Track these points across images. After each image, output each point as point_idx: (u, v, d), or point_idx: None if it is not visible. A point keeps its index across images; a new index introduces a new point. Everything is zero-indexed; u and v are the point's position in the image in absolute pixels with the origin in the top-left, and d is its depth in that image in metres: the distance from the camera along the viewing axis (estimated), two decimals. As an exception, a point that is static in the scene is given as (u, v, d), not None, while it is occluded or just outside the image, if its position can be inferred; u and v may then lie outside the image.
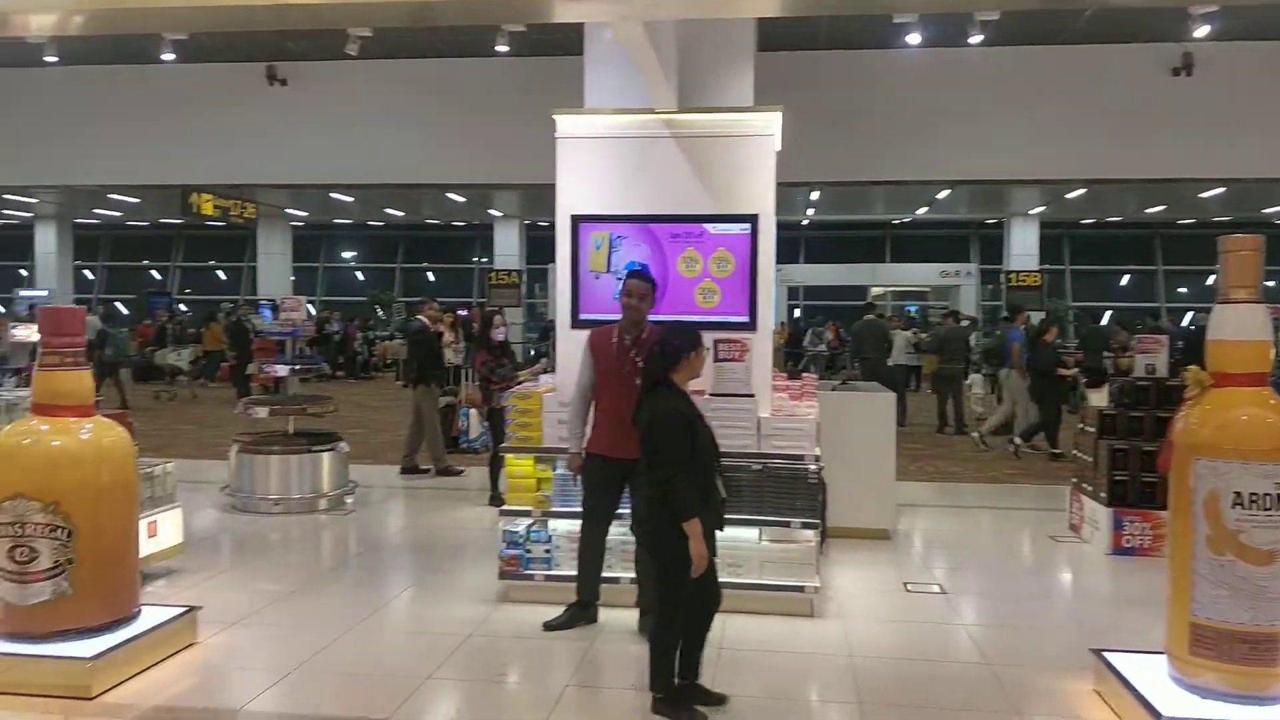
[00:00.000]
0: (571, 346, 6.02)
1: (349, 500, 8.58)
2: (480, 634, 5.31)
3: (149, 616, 4.89)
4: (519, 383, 8.54)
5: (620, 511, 5.54)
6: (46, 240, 28.69)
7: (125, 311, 31.08)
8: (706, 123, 5.86)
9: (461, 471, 9.97)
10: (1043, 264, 25.46)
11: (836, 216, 27.84)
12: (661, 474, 4.14)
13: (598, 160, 5.98)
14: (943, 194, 20.44)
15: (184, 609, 5.11)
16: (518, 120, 8.82)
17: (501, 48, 10.47)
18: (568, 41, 9.31)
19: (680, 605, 4.24)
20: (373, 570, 6.86)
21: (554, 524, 5.88)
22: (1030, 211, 24.82)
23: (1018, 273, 23.78)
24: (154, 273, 34.60)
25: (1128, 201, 22.82)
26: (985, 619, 5.87)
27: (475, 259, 33.75)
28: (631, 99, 5.95)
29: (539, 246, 31.57)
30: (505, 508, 5.91)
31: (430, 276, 35.42)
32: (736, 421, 5.56)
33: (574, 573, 5.73)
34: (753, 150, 5.83)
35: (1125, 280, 29.94)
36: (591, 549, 5.29)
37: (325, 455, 8.48)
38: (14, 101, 9.99)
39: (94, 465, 4.64)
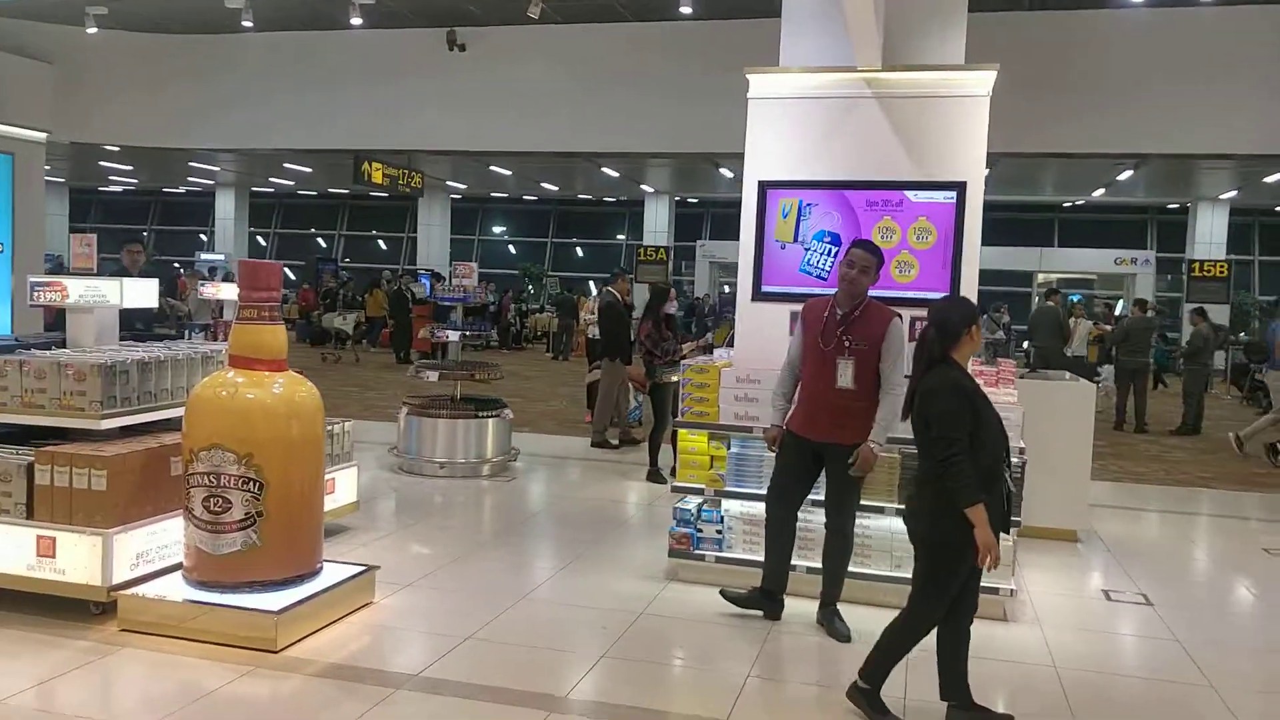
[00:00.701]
0: (755, 321, 5.75)
1: (515, 466, 8.59)
2: (652, 613, 5.12)
3: (330, 573, 4.89)
4: (682, 357, 8.35)
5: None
6: (226, 206, 30.24)
7: (293, 277, 32.50)
8: (914, 82, 5.46)
9: (618, 446, 9.86)
10: (1230, 253, 23.64)
11: (1003, 197, 26.51)
12: (937, 451, 3.69)
13: (791, 123, 5.67)
14: (1124, 175, 19.15)
15: (362, 568, 5.10)
16: (699, 86, 8.58)
17: (685, 8, 10.06)
18: (754, 2, 8.97)
19: (941, 604, 3.81)
20: (538, 539, 6.78)
21: (727, 504, 5.64)
22: (1220, 196, 23.05)
23: (1202, 262, 22.10)
24: (320, 240, 36.06)
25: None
26: (1201, 636, 5.31)
27: (621, 235, 33.82)
28: (828, 58, 5.61)
29: (686, 224, 31.45)
30: (677, 484, 5.69)
31: (579, 252, 35.72)
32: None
33: (747, 556, 5.51)
34: (962, 112, 5.40)
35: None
36: (780, 534, 4.98)
37: (490, 421, 8.49)
38: (208, 67, 10.38)
39: (286, 420, 4.65)
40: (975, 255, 5.43)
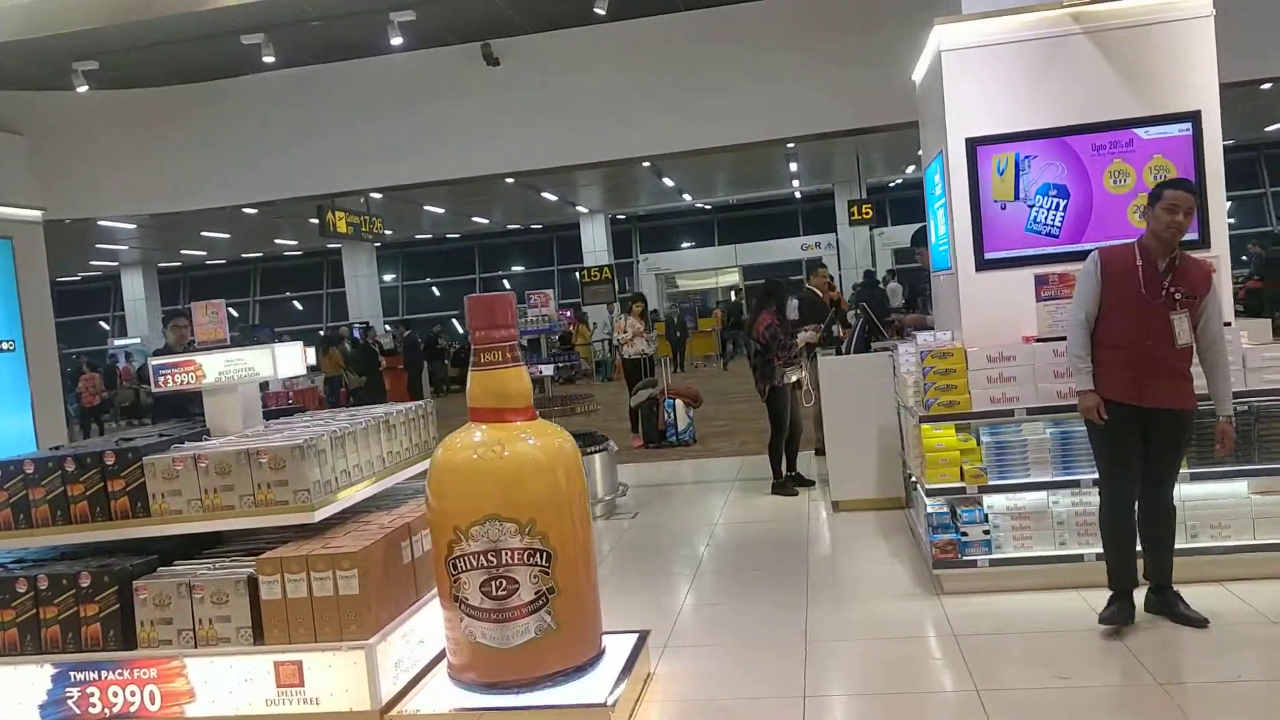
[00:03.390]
0: (982, 294, 5.22)
1: (624, 501, 7.85)
2: (964, 633, 4.48)
3: (613, 648, 4.14)
4: (795, 356, 7.76)
5: (1065, 480, 4.81)
6: (134, 287, 28.43)
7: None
8: (1126, 10, 5.01)
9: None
10: None
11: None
12: None
13: (993, 72, 5.17)
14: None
15: (635, 633, 4.35)
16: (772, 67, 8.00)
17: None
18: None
19: None
20: (733, 576, 6.00)
21: (989, 501, 5.08)
22: None
23: None
24: (232, 310, 34.25)
25: None
26: None
27: (554, 264, 33.15)
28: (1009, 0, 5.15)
29: (617, 241, 30.91)
30: (930, 486, 5.10)
31: (507, 285, 34.87)
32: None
33: (1021, 555, 4.96)
34: (1186, 36, 4.98)
35: None
36: (1130, 520, 4.40)
37: (597, 457, 7.74)
38: (204, 120, 9.27)
39: (555, 474, 3.89)
40: (1221, 186, 5.00)
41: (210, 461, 4.01)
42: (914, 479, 5.88)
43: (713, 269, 31.46)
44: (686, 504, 8.17)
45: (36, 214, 7.79)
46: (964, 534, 5.03)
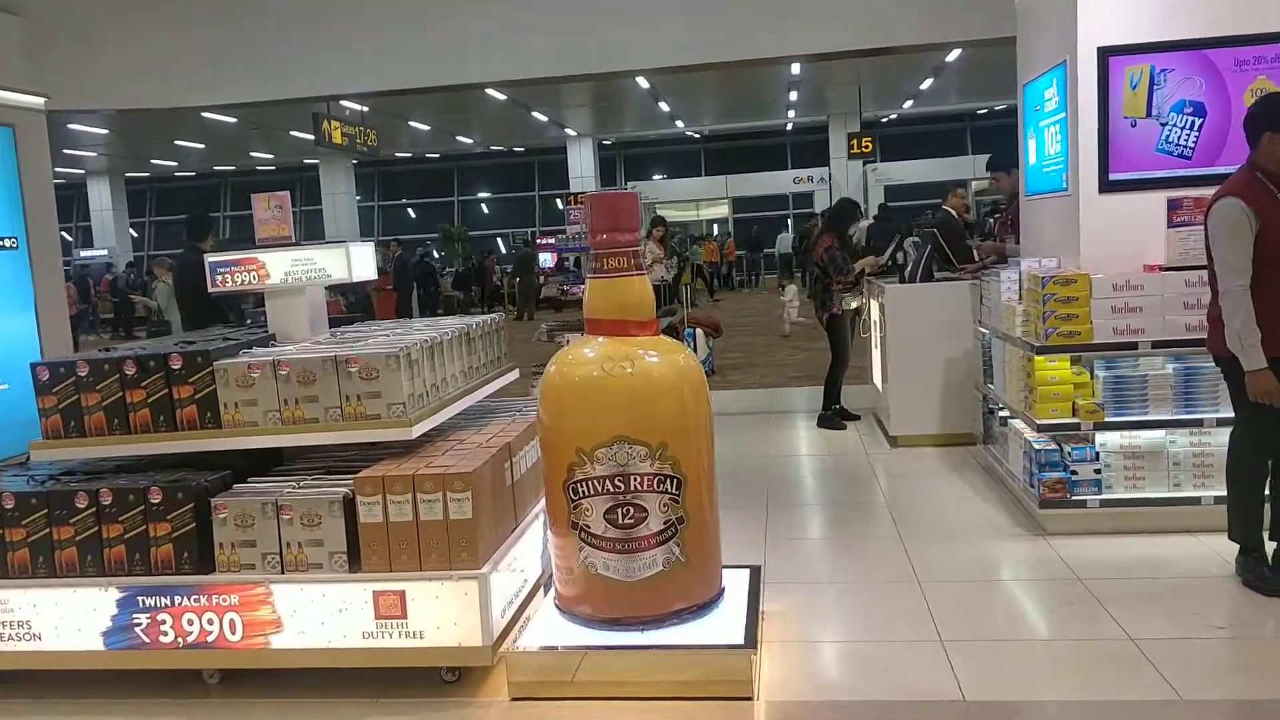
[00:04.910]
0: (1104, 218, 4.86)
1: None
2: (1097, 577, 4.18)
3: (730, 584, 3.81)
4: (854, 282, 7.41)
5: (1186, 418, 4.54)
6: (101, 197, 27.41)
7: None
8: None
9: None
10: None
11: None
12: None
13: (1131, -25, 4.74)
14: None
15: (746, 568, 4.01)
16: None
17: None
18: None
19: None
20: (815, 512, 5.70)
21: (1101, 438, 4.79)
22: None
23: None
24: (200, 225, 33.10)
25: None
26: None
27: (535, 189, 32.43)
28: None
29: (602, 168, 30.19)
30: (1041, 422, 4.78)
31: (484, 210, 34.13)
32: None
33: (1132, 496, 4.71)
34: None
35: None
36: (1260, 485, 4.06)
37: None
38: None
39: (683, 393, 3.51)
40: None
41: (291, 369, 3.58)
42: (1003, 414, 5.59)
43: (703, 199, 30.90)
44: (730, 436, 7.83)
45: (39, 100, 7.13)
46: (1073, 472, 4.74)
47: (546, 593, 3.81)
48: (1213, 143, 4.74)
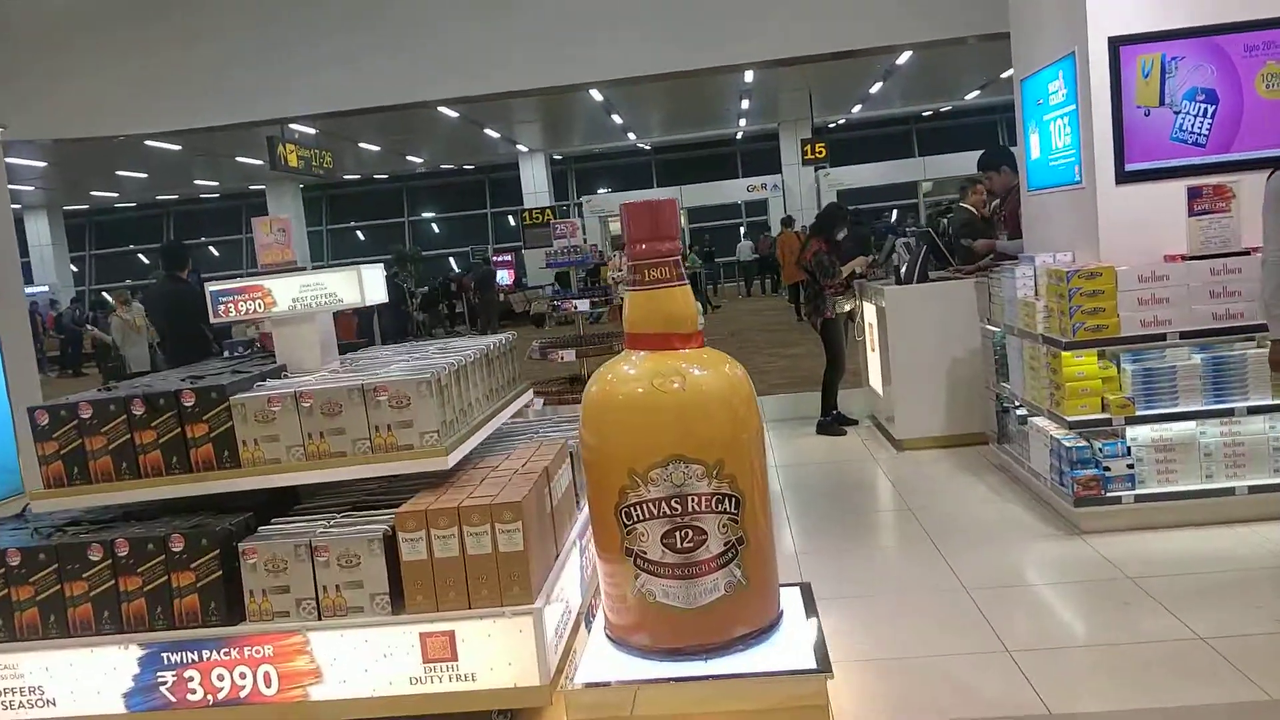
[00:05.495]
0: (1121, 210, 4.81)
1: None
2: (1147, 574, 4.11)
3: (785, 604, 3.65)
4: (848, 281, 7.33)
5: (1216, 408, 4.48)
6: (39, 231, 26.59)
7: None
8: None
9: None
10: None
11: None
12: None
13: (1137, -36, 4.71)
14: None
15: (796, 586, 3.85)
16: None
17: None
18: None
19: None
20: (831, 520, 5.58)
21: (1132, 433, 4.73)
22: None
23: None
24: (141, 257, 32.31)
25: None
26: None
27: (487, 206, 32.16)
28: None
29: (555, 183, 30.02)
30: (1070, 419, 4.70)
31: (435, 230, 33.78)
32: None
33: (1166, 490, 4.65)
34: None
35: None
36: None
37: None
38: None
39: (733, 407, 3.34)
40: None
41: (315, 400, 3.36)
42: (1021, 412, 5.52)
43: (657, 211, 30.79)
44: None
45: (-3, 130, 6.81)
46: (1106, 469, 4.67)
47: (590, 623, 3.62)
48: (1226, 129, 4.71)
